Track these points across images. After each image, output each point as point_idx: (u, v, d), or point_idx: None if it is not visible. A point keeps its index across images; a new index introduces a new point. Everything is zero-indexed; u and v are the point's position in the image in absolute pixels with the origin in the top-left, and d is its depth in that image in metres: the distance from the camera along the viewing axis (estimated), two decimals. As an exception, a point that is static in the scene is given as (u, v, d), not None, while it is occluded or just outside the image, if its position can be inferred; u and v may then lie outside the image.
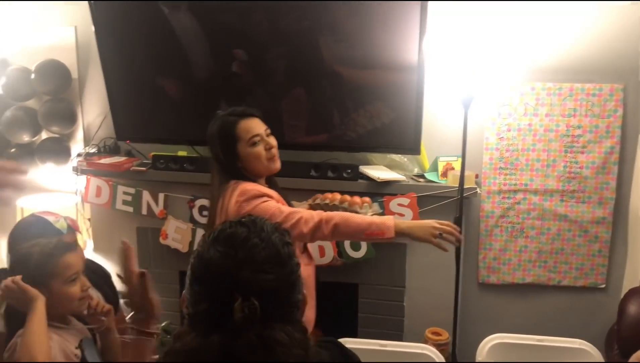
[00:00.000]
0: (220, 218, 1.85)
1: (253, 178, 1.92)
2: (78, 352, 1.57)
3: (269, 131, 1.95)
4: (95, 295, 1.75)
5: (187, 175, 2.77)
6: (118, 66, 2.73)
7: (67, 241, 1.67)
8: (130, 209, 2.86)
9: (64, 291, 1.55)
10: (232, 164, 1.90)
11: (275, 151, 1.95)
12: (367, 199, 2.19)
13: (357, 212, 2.10)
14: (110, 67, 2.72)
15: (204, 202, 2.75)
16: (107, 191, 2.85)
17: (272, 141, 1.95)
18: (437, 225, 1.83)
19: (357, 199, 2.16)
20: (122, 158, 2.91)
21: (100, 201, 2.88)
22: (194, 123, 2.63)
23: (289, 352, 0.92)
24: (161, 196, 2.82)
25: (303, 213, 1.81)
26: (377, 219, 1.84)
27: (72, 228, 1.84)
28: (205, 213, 2.79)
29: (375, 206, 2.12)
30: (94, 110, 3.01)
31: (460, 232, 1.90)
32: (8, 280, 1.49)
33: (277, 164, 1.97)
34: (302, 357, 0.93)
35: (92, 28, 2.66)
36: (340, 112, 2.63)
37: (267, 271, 0.94)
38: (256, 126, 1.92)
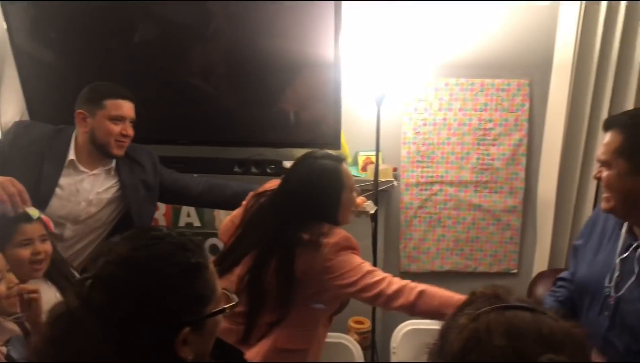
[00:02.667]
0: None
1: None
2: (4, 349, 1.55)
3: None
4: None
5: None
6: (33, 64, 2.67)
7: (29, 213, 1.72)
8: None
9: (14, 253, 1.65)
10: None
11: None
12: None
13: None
14: (25, 66, 2.66)
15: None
16: (26, 191, 2.78)
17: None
18: None
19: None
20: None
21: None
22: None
23: None
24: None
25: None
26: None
27: (44, 221, 1.82)
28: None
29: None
30: (11, 109, 2.92)
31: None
32: None
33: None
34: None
35: (4, 26, 2.59)
36: (262, 109, 2.67)
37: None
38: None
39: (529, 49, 2.68)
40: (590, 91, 2.54)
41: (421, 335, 2.27)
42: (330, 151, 1.90)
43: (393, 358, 2.47)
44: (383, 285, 1.65)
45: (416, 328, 2.31)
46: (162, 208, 2.72)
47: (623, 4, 2.43)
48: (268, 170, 2.71)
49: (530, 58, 2.68)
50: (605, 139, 1.48)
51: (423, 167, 2.79)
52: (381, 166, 2.57)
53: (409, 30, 2.64)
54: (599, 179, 1.50)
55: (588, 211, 2.69)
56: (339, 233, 1.75)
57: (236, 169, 2.73)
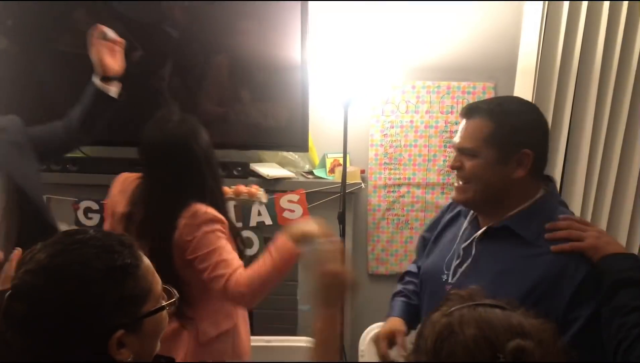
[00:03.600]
0: None
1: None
2: None
3: None
4: None
5: (71, 176, 2.67)
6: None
7: None
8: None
9: None
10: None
11: None
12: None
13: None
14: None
15: (89, 204, 2.67)
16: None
17: None
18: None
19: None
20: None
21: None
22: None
23: None
24: (43, 199, 2.70)
25: None
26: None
27: None
28: (90, 215, 2.72)
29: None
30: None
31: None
32: None
33: None
34: None
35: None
36: (229, 111, 2.64)
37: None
38: None
39: (494, 52, 2.72)
40: (554, 94, 2.59)
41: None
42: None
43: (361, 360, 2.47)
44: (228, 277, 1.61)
45: None
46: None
47: (584, 5, 2.48)
48: (235, 172, 2.68)
49: (496, 62, 2.72)
50: (467, 126, 1.38)
51: (390, 169, 2.80)
52: (349, 169, 2.57)
53: (377, 32, 2.65)
54: (457, 168, 1.39)
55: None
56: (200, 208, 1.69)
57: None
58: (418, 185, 2.81)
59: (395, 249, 2.88)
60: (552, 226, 1.33)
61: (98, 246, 0.94)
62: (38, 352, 0.89)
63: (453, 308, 0.88)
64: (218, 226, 1.69)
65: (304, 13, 2.39)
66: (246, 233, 2.71)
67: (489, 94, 2.73)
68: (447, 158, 2.79)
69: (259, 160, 2.80)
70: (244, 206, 2.67)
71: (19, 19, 2.54)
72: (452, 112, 2.75)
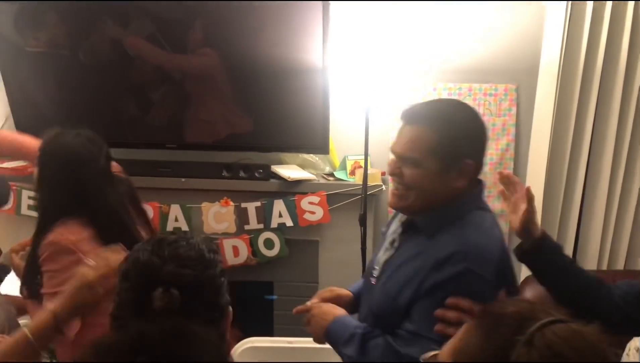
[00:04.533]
0: None
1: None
2: None
3: None
4: None
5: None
6: (17, 66, 2.63)
7: None
8: (36, 214, 2.76)
9: None
10: None
11: None
12: None
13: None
14: (9, 69, 2.63)
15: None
16: (10, 196, 2.74)
17: None
18: None
19: None
20: (26, 161, 2.81)
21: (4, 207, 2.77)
22: (97, 123, 2.59)
23: (202, 349, 0.92)
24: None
25: None
26: None
27: None
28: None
29: None
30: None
31: None
32: None
33: None
34: (215, 357, 0.94)
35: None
36: (251, 113, 2.66)
37: (189, 267, 1.00)
38: None
39: (516, 54, 2.70)
40: (577, 96, 2.57)
41: (260, 353, 2.21)
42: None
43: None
44: None
45: (255, 346, 2.26)
46: (148, 212, 2.69)
47: (609, 6, 2.46)
48: (256, 174, 2.70)
49: (518, 63, 2.70)
50: (409, 133, 1.36)
51: (411, 171, 2.79)
52: (370, 171, 2.57)
53: (398, 34, 2.65)
54: (396, 175, 1.37)
55: (575, 215, 2.71)
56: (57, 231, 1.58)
57: (224, 173, 2.72)
58: (439, 187, 2.80)
59: (416, 251, 2.87)
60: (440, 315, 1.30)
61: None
62: None
63: (529, 333, 0.79)
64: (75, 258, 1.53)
65: (325, 14, 2.40)
66: (267, 234, 2.74)
67: (511, 96, 2.72)
68: (469, 160, 2.78)
69: (280, 162, 2.82)
70: (266, 207, 2.70)
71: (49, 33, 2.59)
72: (473, 115, 2.73)
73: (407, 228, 1.44)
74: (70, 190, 1.60)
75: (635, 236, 2.76)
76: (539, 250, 1.39)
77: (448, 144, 1.32)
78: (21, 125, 2.70)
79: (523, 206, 1.39)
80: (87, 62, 2.61)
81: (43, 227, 1.61)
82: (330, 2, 2.41)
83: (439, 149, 1.31)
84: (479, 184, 1.42)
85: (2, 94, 2.71)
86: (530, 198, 1.38)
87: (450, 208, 1.36)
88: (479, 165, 1.38)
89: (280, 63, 2.52)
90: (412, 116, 1.38)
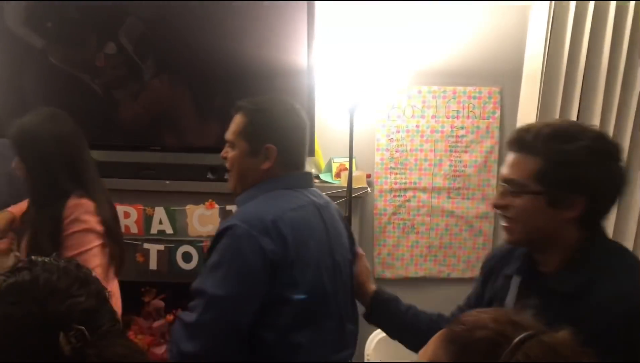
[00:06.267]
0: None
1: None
2: None
3: None
4: None
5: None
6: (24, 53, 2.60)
7: None
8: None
9: None
10: None
11: None
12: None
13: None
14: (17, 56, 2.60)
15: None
16: None
17: None
18: None
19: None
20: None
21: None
22: (79, 125, 2.56)
23: (136, 361, 0.93)
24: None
25: None
26: None
27: None
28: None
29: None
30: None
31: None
32: None
33: None
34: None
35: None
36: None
37: (74, 295, 0.91)
38: None
39: (500, 57, 2.73)
40: (560, 98, 2.59)
41: (393, 344, 2.25)
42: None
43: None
44: None
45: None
46: (133, 215, 2.67)
47: (591, 6, 2.48)
48: (241, 177, 2.68)
49: (501, 66, 2.72)
50: (233, 121, 1.57)
51: (396, 173, 2.80)
52: (355, 173, 2.57)
53: (382, 37, 2.66)
54: (224, 158, 1.56)
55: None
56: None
57: (209, 175, 2.70)
58: (424, 189, 2.81)
59: (402, 253, 2.88)
60: None
61: None
62: None
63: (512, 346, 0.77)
64: None
65: (310, 14, 2.40)
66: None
67: (495, 99, 2.73)
68: (453, 163, 2.79)
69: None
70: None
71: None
72: (457, 117, 2.75)
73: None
74: (63, 164, 1.79)
75: (623, 241, 2.79)
76: (376, 307, 1.60)
77: (254, 129, 1.53)
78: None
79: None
80: (65, 64, 2.59)
81: (47, 206, 1.77)
82: (315, 2, 2.41)
83: (247, 132, 1.54)
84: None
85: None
86: (360, 257, 1.61)
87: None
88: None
89: (265, 64, 2.51)
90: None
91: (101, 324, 0.92)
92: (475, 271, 2.89)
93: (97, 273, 1.71)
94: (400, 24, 2.67)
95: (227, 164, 1.55)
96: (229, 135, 1.55)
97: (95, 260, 1.77)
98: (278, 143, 1.50)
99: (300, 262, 1.40)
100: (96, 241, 1.79)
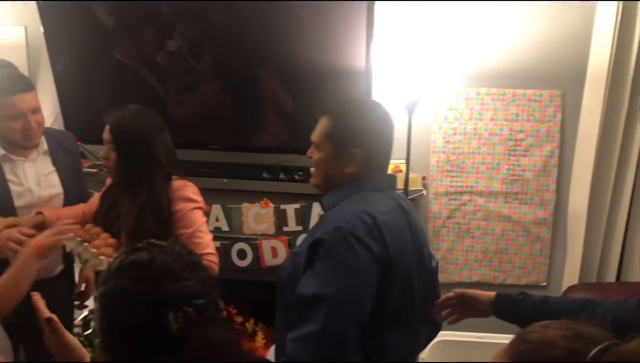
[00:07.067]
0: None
1: None
2: None
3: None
4: None
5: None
6: (67, 66, 2.71)
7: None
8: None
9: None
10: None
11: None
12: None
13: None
14: (60, 68, 2.71)
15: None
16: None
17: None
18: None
19: (99, 242, 1.91)
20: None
21: (51, 204, 2.84)
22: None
23: (233, 350, 0.96)
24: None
25: None
26: None
27: None
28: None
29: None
30: (44, 111, 2.94)
31: None
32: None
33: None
34: (242, 353, 0.97)
35: (41, 29, 2.65)
36: (291, 115, 2.67)
37: (186, 278, 0.96)
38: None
39: (562, 60, 2.65)
40: (626, 103, 2.51)
41: (451, 346, 2.25)
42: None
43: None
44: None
45: (445, 340, 2.29)
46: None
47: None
48: (296, 176, 2.71)
49: (564, 69, 2.65)
50: (319, 123, 1.55)
51: (452, 176, 2.77)
52: (410, 175, 2.55)
53: (441, 38, 2.63)
54: (310, 158, 1.57)
55: (621, 223, 2.65)
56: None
57: (265, 175, 2.74)
58: (481, 193, 2.77)
59: (456, 257, 2.84)
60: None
61: None
62: None
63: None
64: None
65: (369, 15, 2.39)
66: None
67: (557, 102, 2.66)
68: (511, 167, 2.74)
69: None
70: (305, 209, 2.71)
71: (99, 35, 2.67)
72: (517, 120, 2.70)
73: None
74: (162, 150, 1.94)
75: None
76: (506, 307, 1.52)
77: (341, 132, 1.50)
78: (70, 125, 2.79)
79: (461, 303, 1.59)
80: (128, 59, 2.68)
81: (150, 190, 1.90)
82: (374, 2, 2.40)
83: (333, 136, 1.51)
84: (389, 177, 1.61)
85: (53, 93, 2.80)
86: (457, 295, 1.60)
87: (343, 188, 1.51)
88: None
89: (323, 65, 2.53)
90: (322, 109, 1.57)
91: (206, 310, 0.96)
92: (531, 278, 2.83)
93: (212, 245, 1.93)
94: (459, 25, 2.64)
95: (313, 164, 1.56)
96: (314, 137, 1.54)
97: (209, 235, 1.98)
98: (364, 147, 1.49)
99: (397, 264, 1.42)
100: (205, 218, 1.99)
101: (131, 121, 1.94)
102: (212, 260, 1.89)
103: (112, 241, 1.91)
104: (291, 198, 2.74)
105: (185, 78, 2.67)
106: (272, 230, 2.76)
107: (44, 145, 2.19)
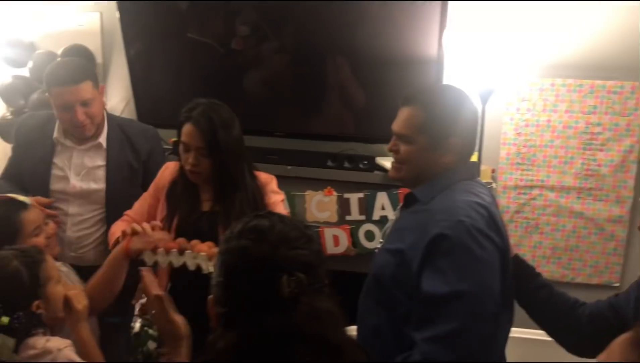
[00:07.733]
0: None
1: None
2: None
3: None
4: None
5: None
6: (141, 52, 2.77)
7: (20, 201, 1.83)
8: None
9: (31, 243, 1.71)
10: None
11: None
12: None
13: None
14: (134, 53, 2.77)
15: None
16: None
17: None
18: None
19: (203, 246, 1.67)
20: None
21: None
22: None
23: (337, 322, 0.98)
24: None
25: None
26: None
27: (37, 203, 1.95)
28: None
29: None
30: (117, 95, 3.05)
31: None
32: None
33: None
34: (346, 326, 1.00)
35: (117, 14, 2.71)
36: (358, 104, 2.65)
37: (301, 247, 1.00)
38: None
39: (643, 50, 2.52)
40: None
41: (518, 343, 2.17)
42: None
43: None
44: None
45: (511, 337, 2.22)
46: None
47: None
48: (361, 165, 2.70)
49: (647, 59, 2.52)
50: (403, 114, 1.48)
51: (523, 170, 2.68)
52: (481, 167, 2.49)
53: (515, 27, 2.54)
54: (394, 151, 1.52)
55: None
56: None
57: (329, 163, 2.74)
58: (552, 188, 2.67)
59: (523, 253, 2.71)
60: None
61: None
62: None
63: None
64: None
65: (443, 11, 2.35)
66: (369, 226, 2.73)
67: (638, 95, 2.53)
68: (586, 161, 2.63)
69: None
70: (369, 199, 2.69)
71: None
72: (594, 113, 2.58)
73: (406, 200, 1.55)
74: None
75: None
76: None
77: (434, 123, 1.44)
78: (141, 110, 2.86)
79: None
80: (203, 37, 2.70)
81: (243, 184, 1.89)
82: (448, 1, 2.36)
83: (427, 127, 1.44)
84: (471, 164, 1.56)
85: (125, 78, 2.87)
86: None
87: (438, 179, 1.46)
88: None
89: (394, 54, 2.49)
90: (406, 99, 1.52)
91: (316, 281, 0.99)
92: (603, 278, 2.72)
93: None
94: (535, 15, 2.53)
95: (399, 158, 1.50)
96: (403, 129, 1.48)
97: None
98: (459, 135, 1.45)
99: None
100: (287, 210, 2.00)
101: (223, 124, 1.84)
102: None
103: (209, 242, 1.70)
104: (355, 186, 2.73)
105: (257, 64, 2.68)
106: (334, 218, 2.75)
107: (101, 138, 2.18)
